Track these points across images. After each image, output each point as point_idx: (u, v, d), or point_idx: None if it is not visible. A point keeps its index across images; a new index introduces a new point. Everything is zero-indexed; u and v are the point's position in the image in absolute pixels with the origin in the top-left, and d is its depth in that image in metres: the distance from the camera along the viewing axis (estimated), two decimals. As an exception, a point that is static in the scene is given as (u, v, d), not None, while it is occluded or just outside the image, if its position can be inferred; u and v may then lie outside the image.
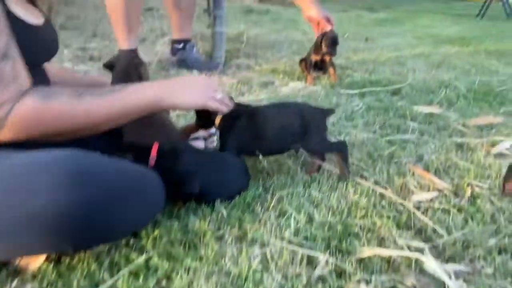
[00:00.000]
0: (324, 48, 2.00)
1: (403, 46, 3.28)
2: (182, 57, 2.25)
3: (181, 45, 2.25)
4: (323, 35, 2.01)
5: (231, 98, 1.03)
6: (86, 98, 0.75)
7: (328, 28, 2.00)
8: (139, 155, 0.93)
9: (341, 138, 1.36)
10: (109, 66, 1.42)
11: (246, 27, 3.43)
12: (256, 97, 1.83)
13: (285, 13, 5.29)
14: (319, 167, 1.13)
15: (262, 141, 1.05)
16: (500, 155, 1.27)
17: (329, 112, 1.12)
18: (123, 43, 1.91)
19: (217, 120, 1.04)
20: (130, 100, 0.80)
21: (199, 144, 1.24)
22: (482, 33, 4.41)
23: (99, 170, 0.67)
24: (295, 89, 1.97)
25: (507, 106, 1.72)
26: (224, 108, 0.95)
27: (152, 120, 1.01)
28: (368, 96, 1.88)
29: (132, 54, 1.84)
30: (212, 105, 0.91)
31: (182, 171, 0.91)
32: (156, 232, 0.80)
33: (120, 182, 0.69)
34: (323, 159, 1.14)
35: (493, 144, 1.33)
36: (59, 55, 2.30)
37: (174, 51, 2.26)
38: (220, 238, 0.83)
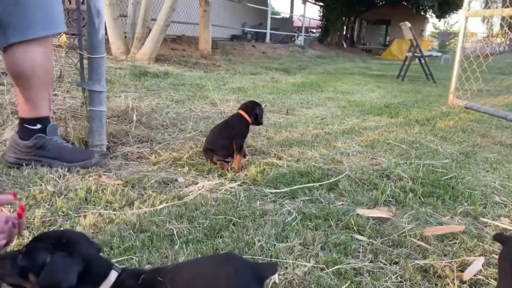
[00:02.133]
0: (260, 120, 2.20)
1: (328, 119, 3.39)
2: (40, 143, 1.86)
3: (37, 126, 1.86)
4: (255, 109, 2.21)
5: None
6: None
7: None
8: None
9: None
10: None
11: (137, 98, 3.24)
12: (151, 208, 1.58)
13: (189, 76, 5.28)
14: None
15: None
16: (475, 284, 1.19)
17: (271, 271, 0.95)
18: None
19: None
20: None
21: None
22: (407, 98, 4.88)
23: None
24: (206, 190, 1.77)
25: (462, 203, 1.74)
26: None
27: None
28: (301, 195, 1.77)
29: None
30: None
31: None
32: None
33: None
34: None
35: (462, 266, 1.26)
36: None
37: (25, 135, 1.85)
38: None
